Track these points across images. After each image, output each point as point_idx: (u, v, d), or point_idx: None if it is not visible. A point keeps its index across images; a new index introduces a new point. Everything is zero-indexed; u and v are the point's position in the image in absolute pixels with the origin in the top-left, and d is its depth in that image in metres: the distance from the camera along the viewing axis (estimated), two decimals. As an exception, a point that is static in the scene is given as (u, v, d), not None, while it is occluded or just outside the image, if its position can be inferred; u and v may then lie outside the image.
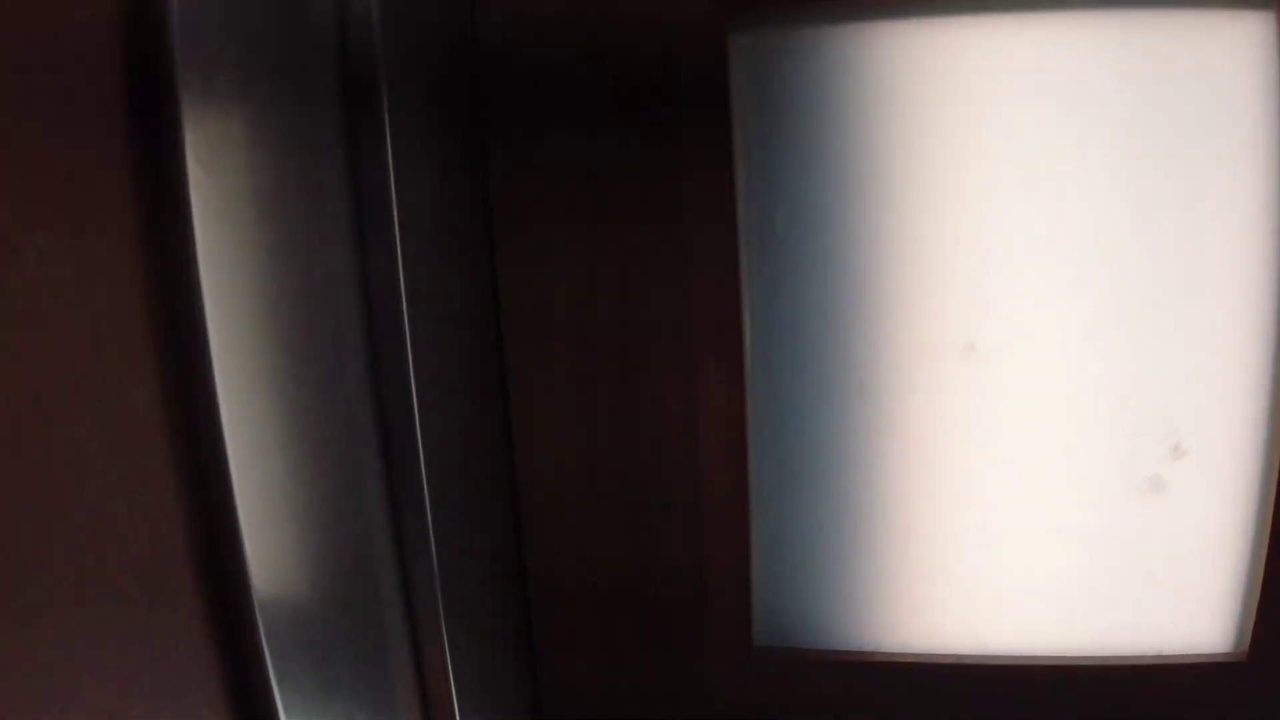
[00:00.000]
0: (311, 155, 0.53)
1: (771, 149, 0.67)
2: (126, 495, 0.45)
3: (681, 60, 0.64)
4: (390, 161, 0.55)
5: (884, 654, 0.73)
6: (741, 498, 0.69)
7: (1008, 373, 0.69)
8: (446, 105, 0.62)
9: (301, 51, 0.52)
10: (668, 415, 0.67)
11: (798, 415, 0.71)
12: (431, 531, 0.58)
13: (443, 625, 0.58)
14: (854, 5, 0.65)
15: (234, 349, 0.48)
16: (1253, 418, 0.67)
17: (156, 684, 0.47)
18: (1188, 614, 0.72)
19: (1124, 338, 0.67)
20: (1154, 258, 0.66)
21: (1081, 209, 0.66)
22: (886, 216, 0.68)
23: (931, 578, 0.72)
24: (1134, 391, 0.68)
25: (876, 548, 0.72)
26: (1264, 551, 0.68)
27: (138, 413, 0.45)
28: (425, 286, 0.58)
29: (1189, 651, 0.72)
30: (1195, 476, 0.69)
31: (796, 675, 0.73)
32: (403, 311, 0.56)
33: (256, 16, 0.49)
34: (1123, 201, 0.66)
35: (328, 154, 0.54)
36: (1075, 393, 0.68)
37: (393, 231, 0.55)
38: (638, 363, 0.67)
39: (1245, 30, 0.61)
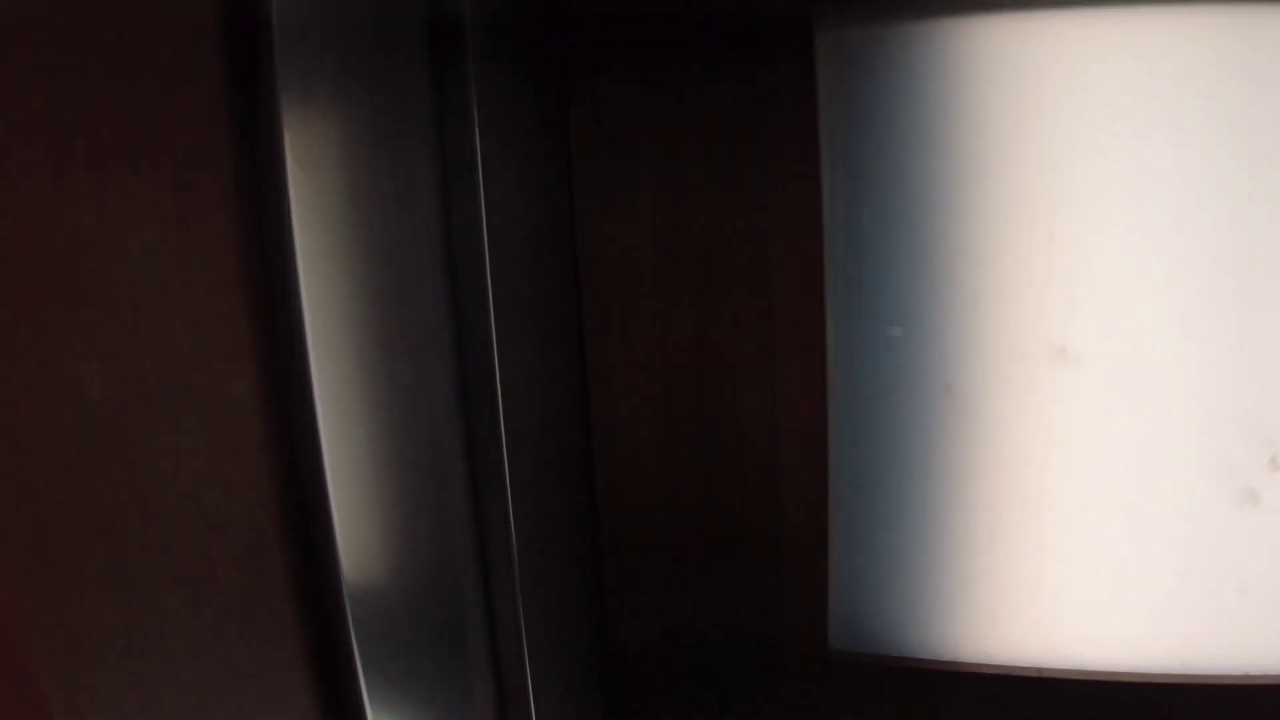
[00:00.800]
0: (404, 154, 0.54)
1: (858, 144, 0.66)
2: (224, 484, 0.46)
3: (767, 56, 0.63)
4: (479, 161, 0.56)
5: (963, 664, 0.72)
6: (820, 499, 0.68)
7: (1099, 377, 0.67)
8: (536, 105, 0.62)
9: (395, 52, 0.53)
10: (747, 416, 0.67)
11: (881, 416, 0.70)
12: (513, 524, 0.58)
13: (521, 620, 0.59)
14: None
15: (328, 343, 0.50)
16: (1362, 430, 0.64)
17: (247, 666, 0.48)
18: (1282, 631, 0.69)
19: (1221, 343, 0.65)
20: (1254, 260, 0.63)
21: (1180, 208, 0.64)
22: (977, 213, 0.66)
23: (1015, 586, 0.71)
24: (1231, 400, 0.65)
25: (958, 554, 0.71)
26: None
27: (237, 404, 0.47)
28: (511, 280, 0.59)
29: (1282, 671, 0.69)
30: (1295, 489, 0.66)
31: (872, 682, 0.72)
32: (489, 306, 0.57)
33: (353, 18, 0.50)
34: (1222, 200, 0.63)
35: (420, 153, 0.55)
36: (1169, 399, 0.66)
37: (480, 229, 0.56)
38: (717, 362, 0.67)
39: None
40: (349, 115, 0.50)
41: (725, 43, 0.62)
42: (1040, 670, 0.71)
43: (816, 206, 0.64)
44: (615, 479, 0.68)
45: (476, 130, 0.56)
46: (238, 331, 0.46)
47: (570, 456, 0.67)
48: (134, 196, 0.42)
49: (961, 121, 0.65)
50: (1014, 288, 0.66)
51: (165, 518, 0.44)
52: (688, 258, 0.65)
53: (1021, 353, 0.67)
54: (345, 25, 0.50)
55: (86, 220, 0.41)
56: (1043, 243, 0.66)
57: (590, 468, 0.68)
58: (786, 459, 0.68)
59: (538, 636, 0.62)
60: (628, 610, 0.71)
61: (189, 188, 0.44)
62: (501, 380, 0.58)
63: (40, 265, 0.39)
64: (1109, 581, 0.70)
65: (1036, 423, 0.68)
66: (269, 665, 0.50)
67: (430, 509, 0.56)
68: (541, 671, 0.62)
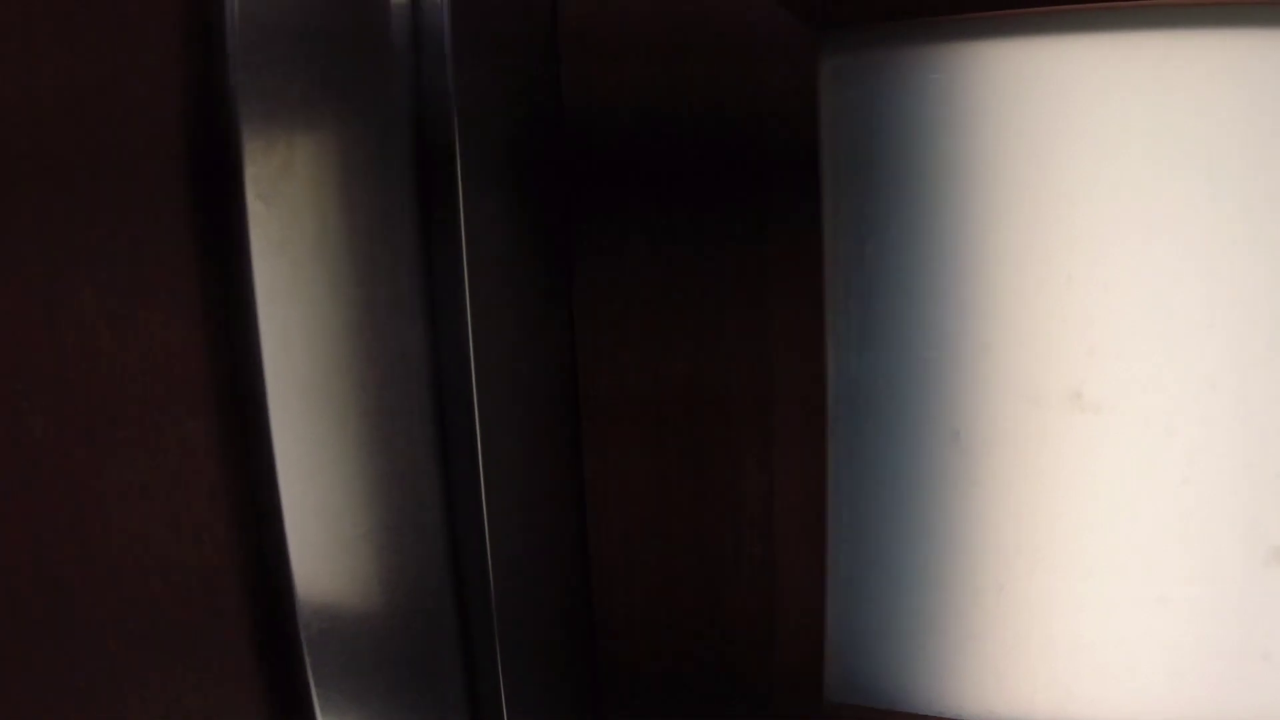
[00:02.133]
0: (379, 186, 0.53)
1: (863, 176, 0.64)
2: (174, 524, 0.45)
3: (768, 81, 0.61)
4: (460, 188, 0.54)
5: (967, 720, 0.69)
6: (818, 544, 0.66)
7: (1117, 425, 0.63)
8: (520, 125, 0.61)
9: (371, 79, 0.52)
10: (743, 458, 0.65)
11: (884, 460, 0.67)
12: (491, 568, 0.57)
13: (499, 666, 0.57)
14: (956, 24, 0.61)
15: (291, 379, 0.49)
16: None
17: (201, 707, 0.47)
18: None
19: (1249, 392, 0.61)
20: (1291, 303, 0.59)
21: (1208, 247, 0.60)
22: (989, 251, 0.63)
23: (1023, 642, 0.67)
24: (1258, 453, 0.61)
25: (963, 606, 0.68)
26: None
27: (190, 443, 0.46)
28: (491, 313, 0.57)
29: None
30: (1331, 549, 0.62)
31: (869, 736, 0.70)
32: (469, 341, 0.55)
33: (324, 44, 0.49)
34: (1254, 239, 0.59)
35: (396, 185, 0.53)
36: (1192, 451, 0.62)
37: (460, 262, 0.54)
38: (712, 402, 0.64)
39: None
40: (319, 147, 0.49)
41: (722, 68, 0.60)
42: (1049, 733, 0.67)
43: (817, 238, 0.62)
44: (605, 519, 0.66)
45: (458, 155, 0.54)
46: (193, 369, 0.45)
47: (558, 496, 0.65)
48: (84, 231, 0.41)
49: (973, 154, 0.62)
50: (1028, 330, 0.63)
51: (111, 560, 0.43)
52: (681, 286, 0.63)
53: (1034, 399, 0.64)
54: (318, 51, 0.49)
55: (31, 258, 0.40)
56: (1060, 283, 0.62)
57: (580, 507, 0.66)
58: (783, 503, 0.65)
59: (518, 680, 0.60)
60: (615, 659, 0.69)
61: (141, 223, 0.43)
62: (481, 414, 0.56)
63: (-22, 303, 0.38)
64: (1124, 641, 0.66)
65: (1050, 472, 0.64)
66: (224, 705, 0.48)
67: (402, 548, 0.55)
68: (521, 718, 0.60)
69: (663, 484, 0.65)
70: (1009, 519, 0.66)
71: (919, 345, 0.65)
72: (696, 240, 0.62)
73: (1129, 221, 0.61)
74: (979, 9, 0.61)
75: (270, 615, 0.49)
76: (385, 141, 0.52)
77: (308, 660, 0.49)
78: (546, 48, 0.62)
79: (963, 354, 0.64)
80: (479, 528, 0.56)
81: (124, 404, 0.43)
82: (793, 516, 0.65)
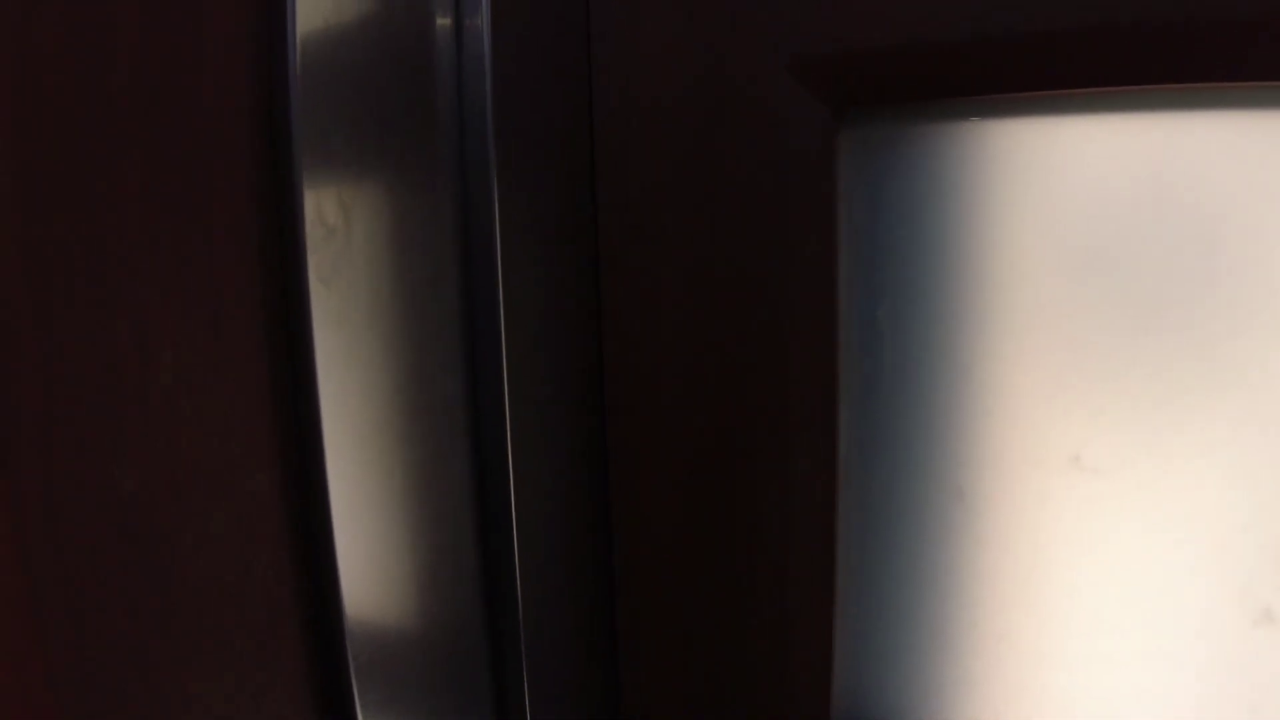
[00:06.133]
0: (424, 261, 0.58)
1: (877, 242, 0.68)
2: (245, 565, 0.51)
3: (788, 155, 0.65)
4: (499, 254, 0.60)
5: (965, 761, 0.73)
6: (828, 592, 0.70)
7: (1115, 487, 0.66)
8: (556, 169, 0.66)
9: (418, 160, 0.57)
10: (759, 492, 0.69)
11: (891, 514, 0.71)
12: (521, 608, 0.62)
13: (526, 694, 0.63)
14: (973, 102, 0.65)
15: (346, 436, 0.54)
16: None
17: (262, 727, 0.53)
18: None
19: (1245, 458, 0.64)
20: (1287, 370, 0.62)
21: (1208, 319, 0.63)
22: (995, 316, 0.67)
23: (1021, 693, 0.71)
24: (1251, 517, 0.64)
25: (964, 658, 0.72)
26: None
27: (259, 495, 0.52)
28: (530, 360, 0.63)
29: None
30: (1323, 610, 0.65)
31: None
32: (504, 394, 0.61)
33: (376, 119, 0.55)
34: (1254, 312, 0.62)
35: (439, 256, 0.59)
36: (1186, 513, 0.65)
37: (498, 314, 0.60)
38: (732, 452, 0.69)
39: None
40: (369, 225, 0.55)
41: (742, 140, 0.65)
42: (1043, 776, 0.71)
43: (831, 300, 0.66)
44: (631, 554, 0.71)
45: (498, 222, 0.59)
46: (262, 428, 0.51)
47: (586, 537, 0.70)
48: (165, 309, 0.47)
49: (985, 227, 0.66)
50: (1029, 394, 0.66)
51: (188, 596, 0.49)
52: (706, 341, 0.67)
53: (1035, 461, 0.67)
54: (368, 127, 0.54)
55: (123, 334, 0.46)
56: (1063, 348, 0.66)
57: (609, 545, 0.71)
58: (796, 547, 0.69)
59: (543, 696, 0.65)
60: (636, 676, 0.73)
61: (215, 299, 0.49)
62: (514, 460, 0.62)
63: (81, 380, 0.44)
64: (1118, 695, 0.69)
65: (1050, 531, 0.68)
66: (282, 725, 0.54)
67: (441, 585, 0.61)
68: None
69: (684, 514, 0.69)
70: (1010, 574, 0.69)
71: (926, 406, 0.68)
72: (716, 303, 0.67)
73: (1131, 295, 0.64)
74: (996, 90, 0.65)
75: (324, 645, 0.55)
76: (430, 218, 0.58)
77: (355, 687, 0.55)
78: (581, 108, 0.67)
79: (967, 416, 0.68)
80: (510, 565, 0.62)
81: (202, 463, 0.49)
82: (804, 562, 0.69)
